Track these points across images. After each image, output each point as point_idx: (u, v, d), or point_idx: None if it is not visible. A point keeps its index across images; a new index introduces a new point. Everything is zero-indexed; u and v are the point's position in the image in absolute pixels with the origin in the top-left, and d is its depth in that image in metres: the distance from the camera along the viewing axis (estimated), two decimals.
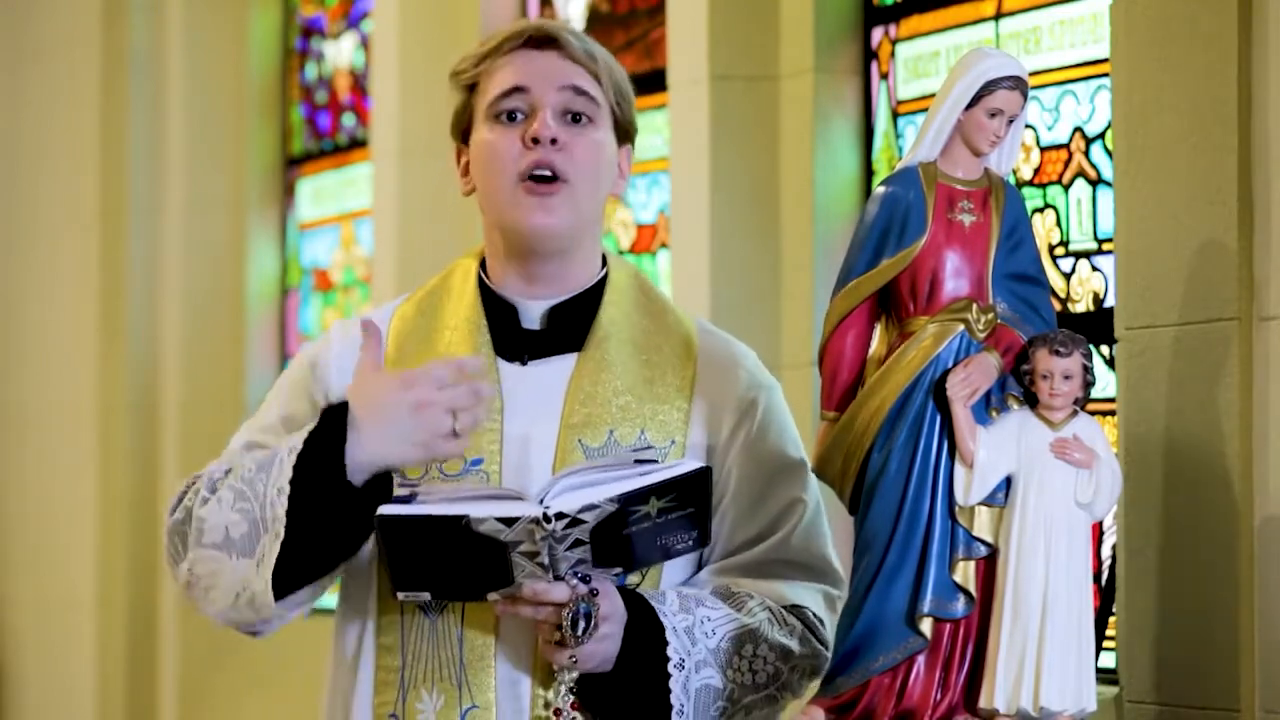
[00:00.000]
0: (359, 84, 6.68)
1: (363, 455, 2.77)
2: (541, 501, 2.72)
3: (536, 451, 2.92)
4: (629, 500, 2.73)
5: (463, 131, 3.01)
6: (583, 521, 2.72)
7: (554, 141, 2.90)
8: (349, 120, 6.77)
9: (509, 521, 2.70)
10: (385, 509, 2.72)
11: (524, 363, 2.98)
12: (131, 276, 7.14)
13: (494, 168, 2.94)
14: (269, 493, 2.80)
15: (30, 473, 7.83)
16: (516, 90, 2.93)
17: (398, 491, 2.77)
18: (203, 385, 6.99)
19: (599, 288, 3.02)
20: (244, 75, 7.02)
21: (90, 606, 7.30)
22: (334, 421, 2.78)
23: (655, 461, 2.82)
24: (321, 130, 6.91)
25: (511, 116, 2.93)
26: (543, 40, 2.95)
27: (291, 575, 2.82)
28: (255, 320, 6.99)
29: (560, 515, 2.71)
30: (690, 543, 2.84)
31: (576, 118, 2.94)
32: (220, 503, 2.84)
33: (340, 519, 2.78)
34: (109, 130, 7.24)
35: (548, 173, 2.91)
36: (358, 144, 6.66)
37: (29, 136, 7.83)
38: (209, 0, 7.04)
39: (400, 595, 2.81)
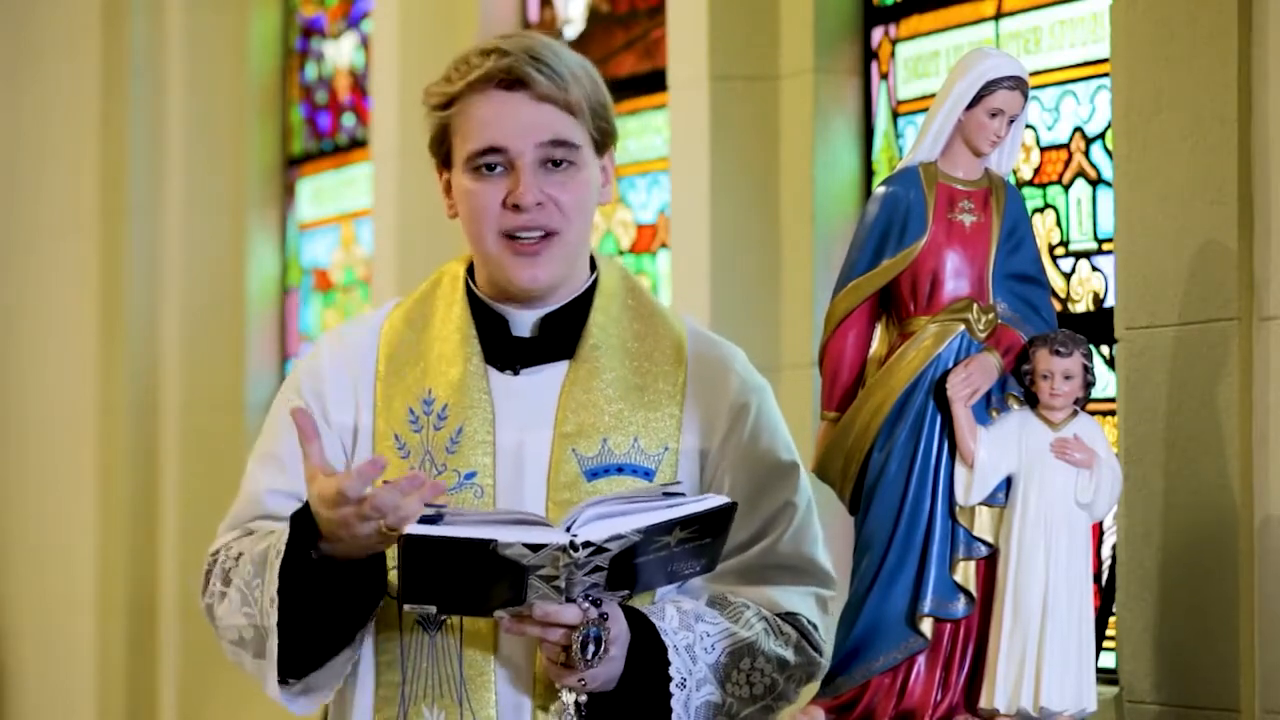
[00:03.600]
0: (359, 84, 6.68)
1: (337, 552, 2.80)
2: (569, 529, 2.72)
3: (530, 461, 2.92)
4: (653, 531, 2.74)
5: (443, 156, 3.00)
6: (607, 550, 2.73)
7: (538, 203, 2.91)
8: (349, 120, 6.77)
9: (535, 548, 2.71)
10: (412, 528, 2.71)
11: (516, 372, 2.99)
12: (131, 276, 7.13)
13: (476, 219, 2.95)
14: (264, 601, 2.85)
15: (30, 473, 7.82)
16: (492, 150, 2.92)
17: (425, 512, 2.76)
18: (203, 385, 6.99)
19: (589, 293, 3.02)
20: (244, 75, 7.02)
21: (90, 606, 7.29)
22: (305, 524, 2.80)
23: (683, 495, 2.82)
24: (321, 130, 6.91)
25: (491, 167, 2.93)
26: (512, 82, 2.93)
27: (303, 662, 2.87)
28: (255, 320, 6.98)
29: (587, 544, 2.71)
30: (696, 569, 2.86)
31: (557, 163, 2.94)
32: (230, 603, 2.92)
33: (333, 613, 2.83)
34: (109, 130, 7.23)
35: (534, 235, 2.92)
36: (358, 144, 6.65)
37: (29, 137, 7.82)
38: (209, 0, 7.03)
39: (406, 606, 2.81)
